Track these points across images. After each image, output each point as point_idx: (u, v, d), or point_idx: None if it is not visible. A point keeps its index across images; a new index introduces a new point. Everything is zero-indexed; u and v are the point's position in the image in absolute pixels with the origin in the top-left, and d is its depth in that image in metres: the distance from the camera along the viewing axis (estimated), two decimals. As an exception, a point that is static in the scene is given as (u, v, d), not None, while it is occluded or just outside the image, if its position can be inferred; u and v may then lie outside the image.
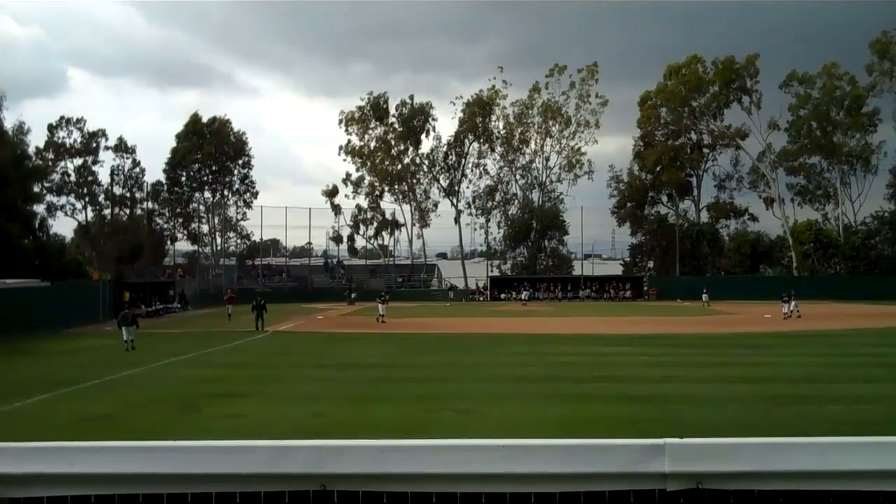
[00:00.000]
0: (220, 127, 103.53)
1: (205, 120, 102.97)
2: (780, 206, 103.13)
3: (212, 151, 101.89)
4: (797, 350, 33.46)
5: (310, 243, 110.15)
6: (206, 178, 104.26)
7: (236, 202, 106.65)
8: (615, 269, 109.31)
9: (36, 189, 74.42)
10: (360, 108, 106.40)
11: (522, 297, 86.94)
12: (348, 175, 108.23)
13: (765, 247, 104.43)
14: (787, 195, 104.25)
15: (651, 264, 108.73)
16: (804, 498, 3.98)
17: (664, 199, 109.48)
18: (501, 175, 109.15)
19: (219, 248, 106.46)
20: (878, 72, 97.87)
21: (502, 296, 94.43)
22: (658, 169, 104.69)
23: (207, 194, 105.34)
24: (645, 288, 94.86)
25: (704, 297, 77.07)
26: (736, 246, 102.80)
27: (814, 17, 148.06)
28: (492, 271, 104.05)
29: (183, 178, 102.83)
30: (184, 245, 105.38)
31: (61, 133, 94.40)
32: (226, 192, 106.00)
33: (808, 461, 3.97)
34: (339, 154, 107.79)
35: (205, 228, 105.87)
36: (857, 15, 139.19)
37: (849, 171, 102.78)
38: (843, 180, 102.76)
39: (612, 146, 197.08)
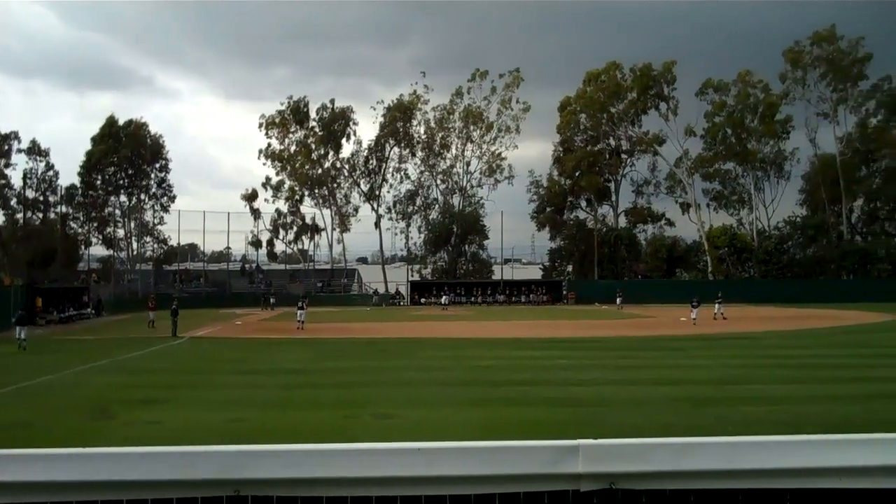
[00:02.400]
0: (136, 130, 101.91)
1: (121, 123, 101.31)
2: (696, 211, 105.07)
3: (128, 155, 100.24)
4: (713, 352, 34.03)
5: (228, 248, 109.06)
6: (122, 182, 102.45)
7: (153, 206, 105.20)
8: (535, 273, 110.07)
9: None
10: (281, 112, 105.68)
11: (443, 302, 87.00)
12: (268, 179, 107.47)
13: (681, 251, 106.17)
14: (703, 200, 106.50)
15: (570, 268, 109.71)
16: (714, 496, 4.04)
17: (583, 203, 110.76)
18: (422, 180, 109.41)
19: (135, 252, 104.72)
20: (790, 80, 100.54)
21: (423, 300, 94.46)
22: (577, 174, 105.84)
23: (123, 198, 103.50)
24: (564, 292, 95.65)
25: (618, 300, 77.91)
26: (653, 250, 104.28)
27: (729, 26, 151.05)
28: (412, 276, 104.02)
29: (98, 182, 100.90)
30: (99, 250, 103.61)
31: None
32: (142, 196, 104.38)
33: (718, 460, 4.04)
34: (258, 158, 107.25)
35: (120, 233, 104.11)
36: (770, 24, 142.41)
37: (762, 177, 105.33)
38: (757, 186, 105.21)
39: (533, 151, 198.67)
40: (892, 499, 4.10)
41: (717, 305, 58.34)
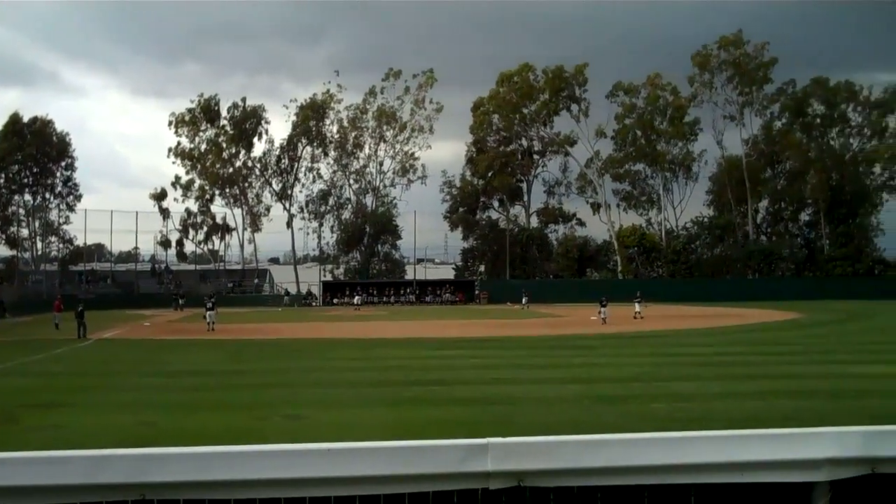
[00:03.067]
0: (41, 127, 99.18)
1: (25, 120, 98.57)
2: (606, 211, 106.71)
3: (33, 153, 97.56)
4: (623, 351, 34.50)
5: (136, 248, 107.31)
6: (26, 181, 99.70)
7: (59, 205, 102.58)
8: (448, 273, 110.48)
9: None
10: (191, 110, 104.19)
11: (355, 302, 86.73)
12: (178, 178, 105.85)
13: (591, 251, 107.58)
14: (613, 201, 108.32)
15: (482, 268, 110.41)
16: (620, 492, 4.11)
17: (495, 204, 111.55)
18: (335, 179, 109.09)
19: (39, 252, 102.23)
20: (698, 83, 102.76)
21: (335, 301, 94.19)
22: (490, 174, 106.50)
23: (28, 197, 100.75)
24: (476, 292, 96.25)
25: (524, 299, 78.38)
26: (564, 250, 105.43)
27: (639, 30, 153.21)
28: (325, 276, 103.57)
29: (1, 181, 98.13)
30: (1, 250, 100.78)
31: None
32: (47, 195, 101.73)
33: (624, 457, 4.11)
34: (168, 156, 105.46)
35: (24, 233, 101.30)
36: (679, 28, 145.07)
37: (671, 178, 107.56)
38: (665, 187, 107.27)
39: (446, 152, 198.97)
40: (793, 491, 4.21)
41: (637, 304, 59.04)
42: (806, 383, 23.43)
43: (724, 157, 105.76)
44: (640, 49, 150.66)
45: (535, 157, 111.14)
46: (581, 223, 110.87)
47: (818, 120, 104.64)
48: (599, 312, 52.77)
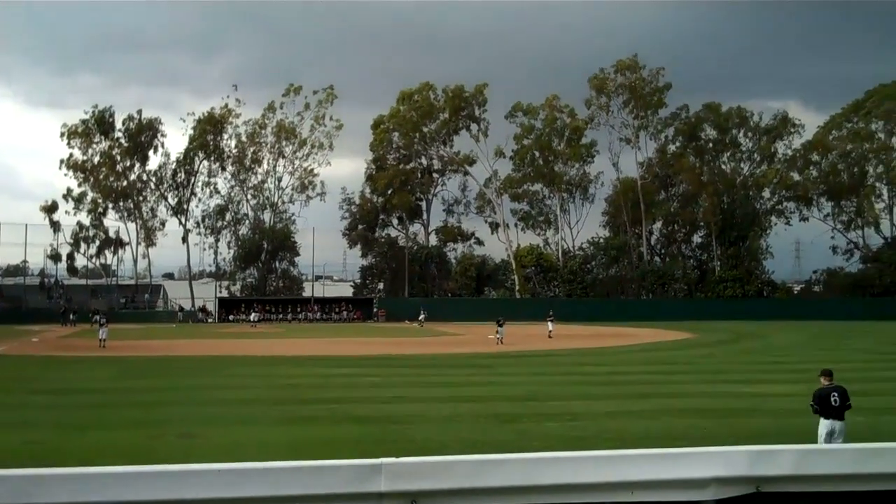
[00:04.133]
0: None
1: None
2: (504, 230, 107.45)
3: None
4: (519, 370, 34.79)
5: (25, 261, 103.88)
6: None
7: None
8: (346, 290, 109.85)
9: None
10: (85, 122, 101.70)
11: (251, 319, 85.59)
12: (69, 191, 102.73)
13: (489, 270, 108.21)
14: (512, 220, 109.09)
15: (381, 286, 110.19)
16: None
17: (395, 221, 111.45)
18: (232, 195, 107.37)
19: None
20: (595, 106, 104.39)
21: (231, 317, 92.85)
22: (389, 192, 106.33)
23: None
24: (374, 309, 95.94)
25: (421, 317, 78.42)
26: (462, 269, 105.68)
27: (538, 52, 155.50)
28: (221, 292, 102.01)
29: None
30: None
31: None
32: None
33: (517, 476, 4.15)
34: (59, 168, 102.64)
35: None
36: (577, 51, 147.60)
37: (568, 198, 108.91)
38: (562, 207, 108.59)
39: (346, 168, 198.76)
40: None
41: (549, 323, 59.37)
42: (696, 402, 23.95)
43: (620, 179, 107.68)
44: (538, 71, 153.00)
45: (435, 175, 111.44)
46: (479, 242, 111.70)
47: (710, 144, 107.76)
48: (496, 332, 52.61)
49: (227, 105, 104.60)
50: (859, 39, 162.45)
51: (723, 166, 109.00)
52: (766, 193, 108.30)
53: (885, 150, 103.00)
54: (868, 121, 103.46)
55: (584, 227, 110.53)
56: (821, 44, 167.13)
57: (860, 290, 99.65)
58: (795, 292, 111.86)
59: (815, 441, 14.81)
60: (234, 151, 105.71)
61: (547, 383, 29.22)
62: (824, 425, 15.05)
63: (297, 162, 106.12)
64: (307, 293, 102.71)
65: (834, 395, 15.11)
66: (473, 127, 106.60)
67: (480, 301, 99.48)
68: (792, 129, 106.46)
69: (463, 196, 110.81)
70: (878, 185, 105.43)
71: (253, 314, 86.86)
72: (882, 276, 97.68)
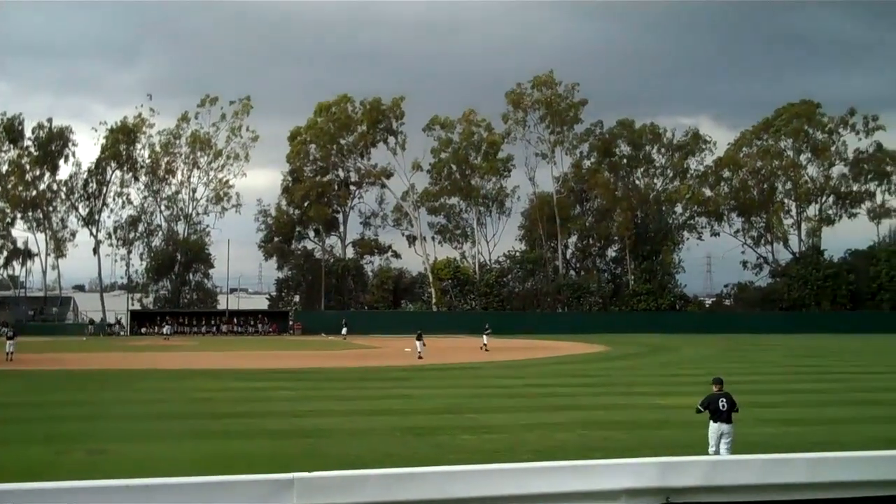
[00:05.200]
0: None
1: None
2: (421, 243, 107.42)
3: None
4: (436, 383, 34.80)
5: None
6: None
7: None
8: (261, 303, 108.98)
9: None
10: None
11: (164, 332, 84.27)
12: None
13: (406, 283, 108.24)
14: (429, 233, 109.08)
15: (297, 299, 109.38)
16: None
17: (311, 234, 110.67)
18: (146, 205, 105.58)
19: None
20: (512, 121, 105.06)
21: (144, 330, 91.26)
22: (306, 204, 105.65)
23: None
24: (290, 322, 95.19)
25: (344, 330, 78.01)
26: (379, 282, 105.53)
27: (456, 66, 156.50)
28: (133, 305, 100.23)
29: None
30: None
31: None
32: None
33: (431, 490, 4.11)
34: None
35: None
36: (494, 66, 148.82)
37: (485, 212, 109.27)
38: (479, 221, 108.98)
39: (262, 180, 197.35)
40: None
41: (485, 336, 59.43)
42: (610, 414, 24.22)
43: (536, 194, 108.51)
44: (456, 85, 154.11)
45: (352, 188, 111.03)
46: (397, 255, 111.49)
47: (625, 160, 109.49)
48: (417, 346, 51.88)
49: (140, 114, 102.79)
50: (769, 60, 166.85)
51: (637, 181, 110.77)
52: (679, 209, 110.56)
53: (793, 167, 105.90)
54: (777, 138, 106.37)
55: (500, 240, 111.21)
56: (731, 63, 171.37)
57: (769, 304, 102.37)
58: (707, 306, 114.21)
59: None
60: (147, 161, 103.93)
61: (464, 396, 29.29)
62: (714, 428, 16.69)
63: (212, 173, 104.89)
64: (222, 306, 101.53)
65: (722, 401, 16.71)
66: (391, 140, 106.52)
67: (397, 314, 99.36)
68: (703, 146, 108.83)
69: (380, 209, 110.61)
70: (786, 201, 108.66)
71: (165, 327, 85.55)
72: (790, 290, 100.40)
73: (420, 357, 50.05)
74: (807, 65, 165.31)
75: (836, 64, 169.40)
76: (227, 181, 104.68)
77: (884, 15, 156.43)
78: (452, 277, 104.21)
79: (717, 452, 16.58)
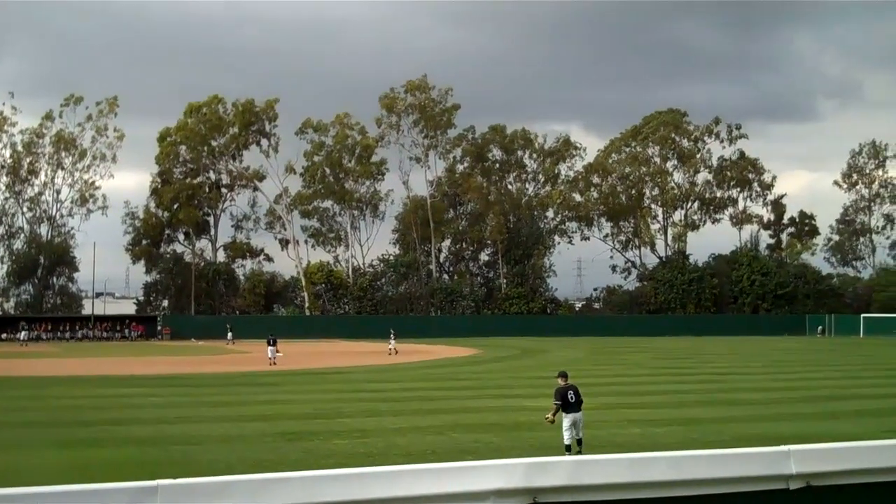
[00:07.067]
0: None
1: None
2: (294, 247, 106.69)
3: None
4: (307, 387, 34.63)
5: None
6: None
7: None
8: (129, 307, 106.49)
9: None
10: None
11: (20, 338, 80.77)
12: None
13: (279, 287, 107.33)
14: (302, 237, 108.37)
15: (166, 303, 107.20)
16: None
17: (181, 237, 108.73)
18: (6, 207, 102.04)
19: None
20: (385, 124, 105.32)
21: (4, 336, 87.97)
22: (175, 206, 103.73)
23: None
24: (159, 327, 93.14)
25: (230, 335, 76.37)
26: (251, 286, 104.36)
27: (329, 69, 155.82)
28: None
29: None
30: None
31: None
32: None
33: (299, 494, 4.11)
34: None
35: None
36: (367, 69, 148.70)
37: (359, 216, 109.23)
38: (353, 224, 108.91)
39: (130, 182, 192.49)
40: None
41: (391, 340, 59.18)
42: (482, 417, 24.48)
43: (410, 198, 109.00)
44: (329, 88, 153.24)
45: (224, 190, 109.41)
46: (269, 259, 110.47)
47: (497, 165, 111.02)
48: (268, 352, 49.84)
49: (2, 112, 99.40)
50: (638, 69, 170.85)
51: (509, 186, 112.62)
52: (550, 213, 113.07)
53: (660, 173, 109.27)
54: (645, 145, 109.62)
55: (374, 244, 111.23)
56: (602, 71, 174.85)
57: (637, 307, 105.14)
58: (577, 309, 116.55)
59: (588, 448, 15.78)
60: (8, 161, 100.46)
61: (336, 400, 29.21)
62: (567, 418, 17.57)
63: (77, 174, 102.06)
64: (87, 311, 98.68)
65: (570, 393, 17.70)
66: (264, 142, 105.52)
67: (269, 319, 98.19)
68: (574, 152, 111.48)
69: (252, 212, 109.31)
70: (653, 206, 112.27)
71: (22, 332, 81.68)
72: (657, 293, 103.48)
73: (273, 363, 48.07)
74: (674, 74, 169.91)
75: (702, 74, 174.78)
76: (93, 182, 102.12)
77: (747, 27, 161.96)
78: (326, 281, 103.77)
79: (573, 441, 17.54)
